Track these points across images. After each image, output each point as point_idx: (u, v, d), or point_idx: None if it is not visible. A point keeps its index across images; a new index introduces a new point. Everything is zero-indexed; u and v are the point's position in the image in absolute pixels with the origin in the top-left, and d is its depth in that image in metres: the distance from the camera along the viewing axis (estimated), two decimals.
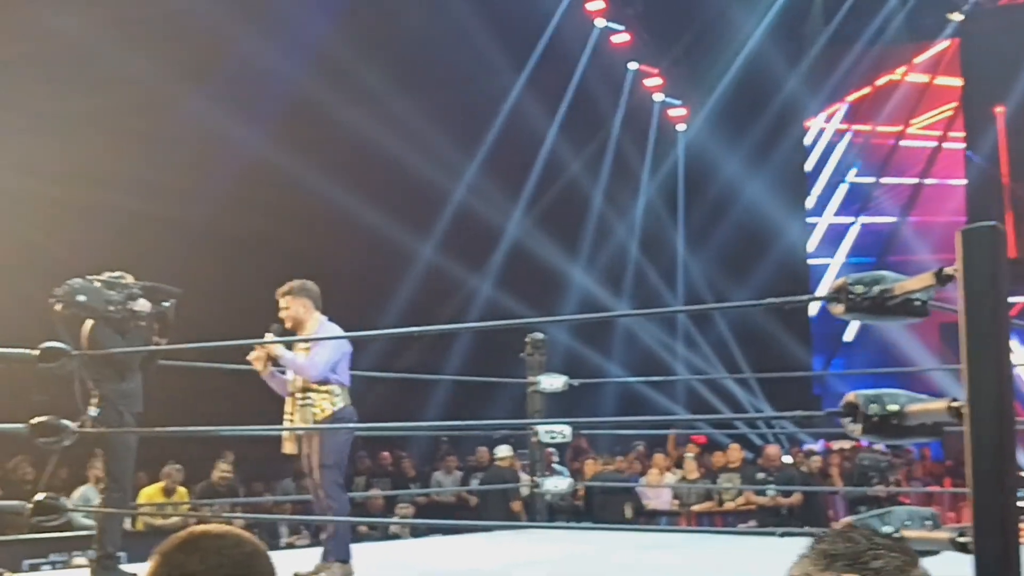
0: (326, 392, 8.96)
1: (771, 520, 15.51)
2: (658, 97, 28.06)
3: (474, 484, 17.35)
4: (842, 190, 29.03)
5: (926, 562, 2.17)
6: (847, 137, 29.06)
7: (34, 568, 11.79)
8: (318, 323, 9.04)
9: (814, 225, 29.03)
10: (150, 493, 13.79)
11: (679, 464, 17.70)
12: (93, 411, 8.76)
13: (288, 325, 9.07)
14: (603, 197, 26.83)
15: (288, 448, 9.20)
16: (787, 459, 17.39)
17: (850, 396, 5.26)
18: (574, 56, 25.93)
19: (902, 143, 28.43)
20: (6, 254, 16.74)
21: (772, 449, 17.07)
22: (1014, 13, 26.82)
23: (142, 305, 8.93)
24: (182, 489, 14.18)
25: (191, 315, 9.45)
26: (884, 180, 28.62)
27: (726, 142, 26.20)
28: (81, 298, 8.70)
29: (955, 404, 4.67)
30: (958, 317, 4.56)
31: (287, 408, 9.10)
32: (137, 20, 17.52)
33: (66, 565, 11.97)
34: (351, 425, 9.16)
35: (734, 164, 26.35)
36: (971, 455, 4.43)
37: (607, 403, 23.39)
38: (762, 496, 16.05)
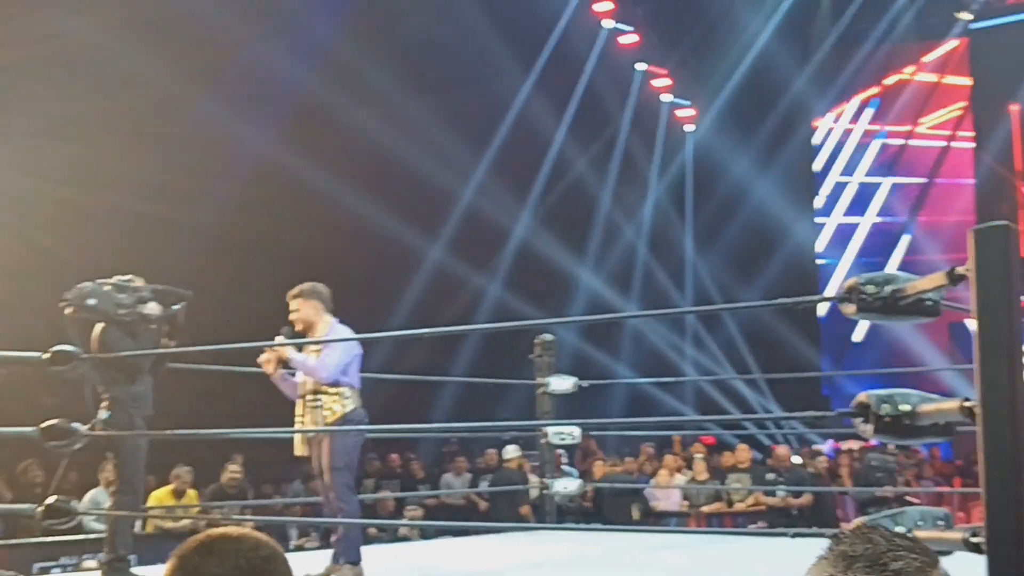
0: (336, 394, 8.96)
1: (781, 521, 15.48)
2: (666, 97, 28.04)
3: (483, 486, 17.35)
4: (851, 190, 28.99)
5: None
6: (856, 137, 29.01)
7: (44, 571, 11.79)
8: (328, 325, 9.04)
9: (823, 225, 28.99)
10: (160, 496, 13.79)
11: (689, 465, 17.69)
12: (103, 414, 8.77)
13: (298, 327, 9.08)
14: (611, 198, 26.83)
15: (299, 450, 9.21)
16: (796, 459, 17.35)
17: (862, 396, 5.26)
18: (582, 57, 25.92)
19: (911, 142, 28.39)
20: (15, 257, 16.76)
21: (782, 450, 17.04)
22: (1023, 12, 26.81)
23: (152, 308, 8.93)
24: (192, 491, 14.18)
25: (200, 318, 9.45)
26: (893, 180, 28.58)
27: (734, 142, 26.18)
28: (91, 301, 8.70)
29: (967, 404, 4.66)
30: (970, 316, 4.55)
31: (298, 410, 9.10)
32: (146, 23, 17.54)
33: (76, 568, 11.97)
34: (360, 427, 9.16)
35: (742, 164, 26.34)
36: (984, 455, 4.42)
37: (615, 404, 23.38)
38: (772, 497, 16.04)
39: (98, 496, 13.17)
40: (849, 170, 29.02)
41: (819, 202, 29.12)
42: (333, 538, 9.36)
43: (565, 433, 12.28)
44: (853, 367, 25.75)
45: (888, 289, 5.28)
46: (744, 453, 17.10)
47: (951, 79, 28.05)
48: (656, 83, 27.76)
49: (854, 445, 18.83)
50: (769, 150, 26.77)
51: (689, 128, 28.56)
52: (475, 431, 17.77)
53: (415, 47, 21.42)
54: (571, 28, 25.24)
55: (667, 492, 17.24)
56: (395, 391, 14.46)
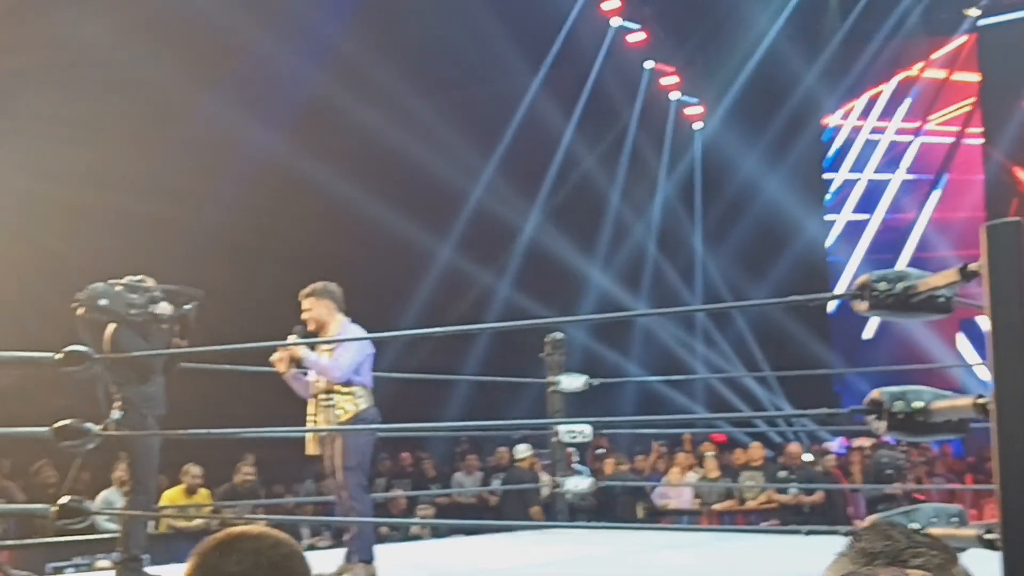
0: (349, 394, 8.98)
1: (793, 518, 15.49)
2: (674, 95, 28.02)
3: (494, 484, 17.37)
4: (860, 187, 28.94)
5: None
6: (865, 133, 28.97)
7: (58, 571, 11.81)
8: (341, 325, 9.07)
9: (832, 222, 28.95)
10: (172, 495, 13.81)
11: (700, 463, 17.69)
12: (116, 414, 8.79)
13: (311, 327, 9.10)
14: (620, 196, 26.81)
15: (311, 449, 9.24)
16: (807, 457, 17.35)
17: (874, 393, 5.25)
18: (590, 55, 25.92)
19: (920, 139, 28.35)
20: (23, 260, 16.80)
21: (794, 447, 17.03)
22: None
23: (163, 308, 8.95)
24: (204, 490, 14.21)
25: (207, 318, 9.46)
26: (902, 176, 28.54)
27: (743, 140, 26.15)
28: (103, 302, 8.72)
29: (981, 400, 4.66)
30: (983, 313, 4.54)
31: (310, 410, 9.12)
32: (152, 25, 17.56)
33: (90, 568, 11.99)
34: (372, 426, 9.18)
35: (751, 162, 26.30)
36: (998, 451, 4.42)
37: (626, 402, 23.36)
38: (784, 494, 16.03)
39: (110, 496, 13.20)
40: (858, 167, 28.97)
41: (829, 199, 29.07)
42: (346, 537, 9.38)
43: (576, 431, 12.29)
44: (864, 364, 25.70)
45: (900, 286, 5.27)
46: (757, 451, 17.10)
47: (960, 75, 28.01)
48: (664, 81, 27.75)
49: (865, 442, 18.78)
50: (778, 147, 26.73)
51: (697, 126, 28.54)
52: (486, 430, 17.79)
53: (422, 46, 21.43)
54: (579, 26, 25.23)
55: (679, 490, 17.24)
56: (406, 390, 14.45)
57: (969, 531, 4.78)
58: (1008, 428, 4.38)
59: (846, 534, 5.71)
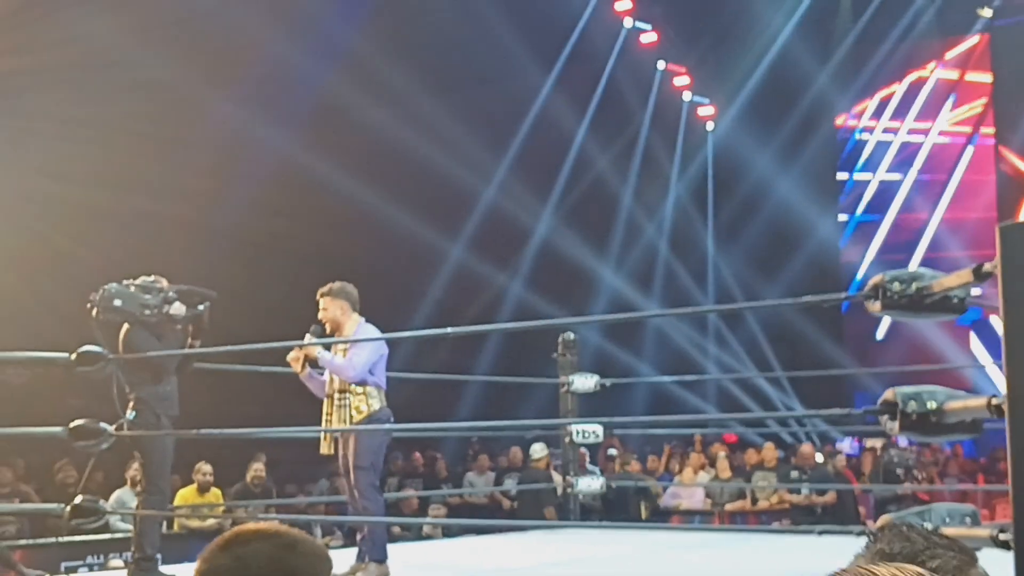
0: (363, 394, 9.01)
1: (805, 519, 15.48)
2: (687, 96, 28.01)
3: (507, 484, 17.38)
4: (873, 187, 28.91)
5: None
6: (877, 134, 28.94)
7: (71, 570, 11.84)
8: (356, 324, 9.09)
9: (845, 222, 28.93)
10: (185, 494, 13.84)
11: (712, 463, 17.70)
12: (130, 414, 8.82)
13: (327, 327, 9.14)
14: (632, 196, 26.80)
15: (325, 448, 9.26)
16: (820, 457, 17.34)
17: (888, 394, 5.26)
18: (602, 56, 25.93)
19: (932, 139, 28.31)
20: (36, 259, 16.84)
21: (806, 448, 17.02)
22: None
23: (177, 309, 8.97)
24: (216, 489, 14.23)
25: (220, 318, 9.49)
26: (914, 176, 28.50)
27: (755, 140, 26.14)
28: (117, 303, 8.75)
29: (995, 401, 4.66)
30: (998, 313, 4.54)
31: (325, 409, 9.15)
32: (164, 25, 17.60)
33: (103, 567, 12.03)
34: (384, 426, 9.19)
35: (764, 162, 26.28)
36: (1012, 451, 4.42)
37: (638, 403, 23.36)
38: (796, 495, 16.03)
39: (123, 496, 13.22)
40: (871, 167, 28.94)
41: (841, 199, 29.04)
42: (359, 537, 9.40)
43: (588, 431, 12.31)
44: (876, 364, 25.65)
45: (914, 286, 5.28)
46: (770, 451, 17.10)
47: (972, 76, 27.97)
48: (676, 81, 27.74)
49: (877, 443, 18.78)
50: (790, 148, 26.71)
51: (710, 126, 28.53)
52: (498, 430, 17.80)
53: (435, 46, 21.45)
54: (591, 27, 25.24)
55: (690, 490, 17.25)
56: (418, 390, 14.48)
57: (982, 531, 4.78)
58: (1022, 428, 4.38)
59: (859, 535, 5.71)
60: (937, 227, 27.77)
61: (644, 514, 16.92)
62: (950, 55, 27.99)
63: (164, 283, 9.06)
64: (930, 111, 28.27)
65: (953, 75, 28.13)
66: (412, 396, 12.71)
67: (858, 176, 29.12)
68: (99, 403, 9.18)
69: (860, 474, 17.61)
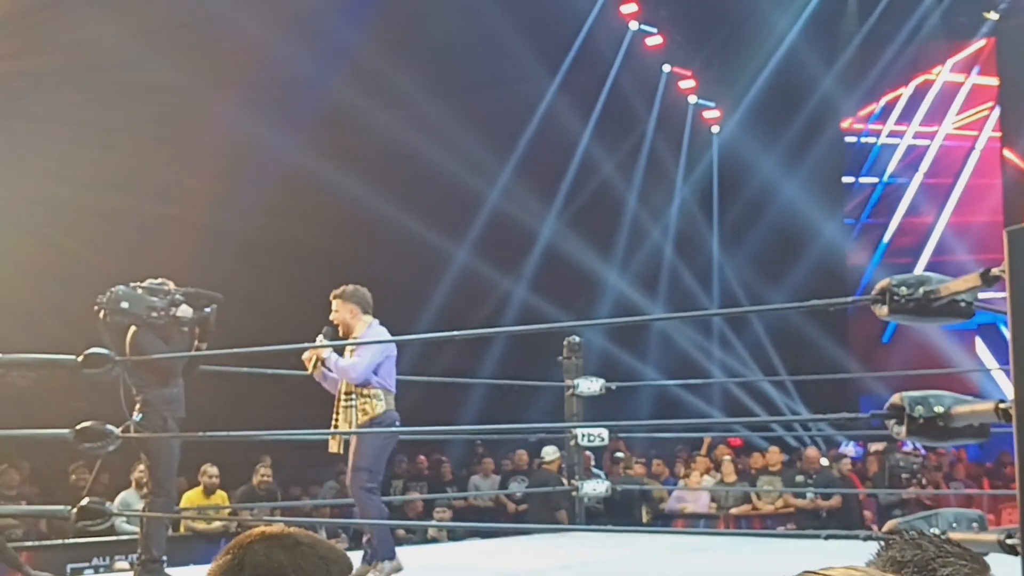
0: (368, 396, 9.05)
1: (810, 523, 15.46)
2: (692, 99, 28.01)
3: (513, 487, 17.39)
4: (879, 190, 28.91)
5: None
6: (883, 137, 28.92)
7: (77, 572, 11.87)
8: (366, 326, 9.13)
9: (851, 226, 28.91)
10: (192, 497, 13.86)
11: (717, 467, 17.69)
12: (137, 417, 8.83)
13: (340, 329, 9.20)
14: (637, 199, 26.79)
15: (334, 447, 9.31)
16: (825, 461, 17.32)
17: (896, 398, 5.25)
18: (608, 59, 25.92)
19: (938, 142, 28.30)
20: (43, 261, 16.85)
21: (812, 451, 17.01)
22: None
23: (184, 311, 8.99)
24: (222, 492, 14.24)
25: (227, 321, 9.50)
26: (921, 180, 28.49)
27: (761, 143, 26.13)
28: (124, 305, 8.76)
29: (1003, 405, 4.66)
30: (1006, 317, 4.54)
31: (334, 409, 9.20)
32: (171, 28, 17.60)
33: (108, 569, 12.05)
34: (385, 429, 9.20)
35: (769, 165, 26.26)
36: (1019, 456, 4.41)
37: (642, 406, 23.37)
38: (801, 499, 16.02)
39: (128, 497, 13.24)
40: (877, 170, 28.94)
41: (847, 203, 29.01)
42: (365, 538, 9.43)
43: (594, 435, 12.32)
44: (882, 368, 25.63)
45: (921, 291, 5.27)
46: (775, 455, 17.09)
47: (979, 79, 27.97)
48: (682, 84, 27.74)
49: (880, 446, 18.76)
50: (796, 151, 26.68)
51: (715, 129, 28.52)
52: (503, 433, 17.82)
53: (440, 50, 21.47)
54: (596, 30, 25.23)
55: (695, 494, 17.24)
56: (423, 393, 14.47)
57: (989, 536, 4.78)
58: None
59: (865, 539, 5.71)
60: (943, 231, 27.76)
61: (645, 518, 16.90)
62: (956, 58, 27.98)
63: (171, 286, 9.08)
64: (936, 114, 28.27)
65: (959, 78, 28.13)
66: (417, 399, 12.72)
67: (864, 179, 29.11)
68: (104, 405, 9.20)
69: (865, 478, 17.59)
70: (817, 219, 26.62)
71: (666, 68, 27.23)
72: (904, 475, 16.43)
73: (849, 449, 20.66)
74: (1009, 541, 4.51)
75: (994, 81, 27.71)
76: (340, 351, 9.18)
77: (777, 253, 26.34)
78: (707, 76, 27.60)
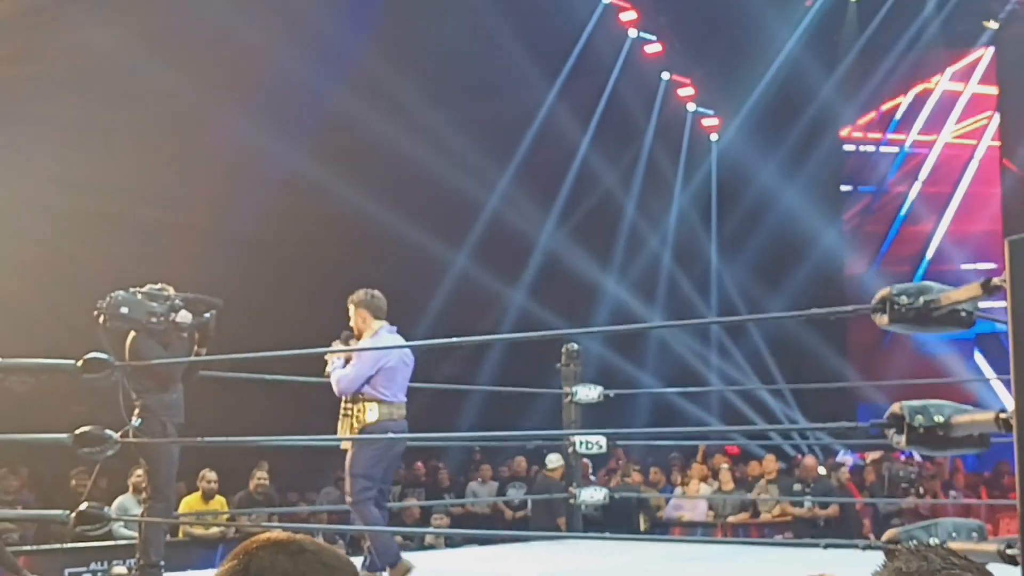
0: (362, 404, 9.08)
1: (807, 532, 15.47)
2: (691, 107, 28.02)
3: (511, 493, 17.40)
4: (878, 199, 28.92)
5: None
6: (882, 145, 28.94)
7: None
8: (372, 334, 9.15)
9: (849, 234, 28.90)
10: (190, 502, 13.86)
11: (715, 475, 17.69)
12: (136, 422, 8.85)
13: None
14: (636, 207, 26.80)
15: (344, 446, 9.39)
16: (822, 470, 17.33)
17: (895, 407, 5.25)
18: (607, 67, 25.93)
19: (937, 151, 28.30)
20: (45, 266, 16.86)
21: (809, 460, 17.02)
22: None
23: (183, 317, 9.02)
24: (220, 497, 14.24)
25: (227, 326, 9.52)
26: (919, 189, 28.50)
27: (760, 151, 26.13)
28: (124, 310, 8.78)
29: (1003, 415, 4.66)
30: (1007, 327, 4.53)
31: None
32: (172, 35, 17.62)
33: (106, 574, 12.03)
34: (376, 436, 9.19)
35: (768, 173, 26.26)
36: (1020, 466, 4.41)
37: (640, 414, 23.37)
38: (799, 507, 16.02)
39: (126, 502, 13.23)
40: (876, 179, 28.95)
41: (846, 211, 29.01)
42: (366, 545, 9.46)
43: (592, 442, 12.32)
44: (880, 377, 25.61)
45: (922, 300, 5.27)
46: (770, 463, 17.09)
47: (978, 88, 27.97)
48: (681, 92, 27.75)
49: (876, 455, 18.77)
50: (795, 159, 26.69)
51: (714, 137, 28.52)
52: (501, 440, 17.81)
53: (440, 59, 21.48)
54: (596, 38, 25.26)
55: (693, 502, 17.24)
56: (421, 400, 14.47)
57: (989, 546, 4.78)
58: None
59: (864, 548, 5.70)
60: (942, 239, 27.76)
61: (643, 526, 16.90)
62: (956, 67, 27.98)
63: (171, 291, 9.10)
64: (935, 123, 28.27)
65: (959, 87, 28.13)
66: (415, 406, 12.72)
67: (862, 188, 29.11)
68: (104, 410, 9.20)
69: (862, 487, 17.59)
70: (816, 227, 26.62)
71: (665, 76, 27.23)
72: (903, 484, 16.45)
73: (847, 458, 20.67)
74: (1009, 551, 4.51)
75: (993, 90, 27.71)
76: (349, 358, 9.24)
77: (775, 261, 26.34)
78: (706, 84, 27.60)
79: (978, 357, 25.37)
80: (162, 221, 17.93)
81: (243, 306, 12.95)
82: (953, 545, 4.74)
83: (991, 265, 22.70)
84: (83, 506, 8.70)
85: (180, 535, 13.47)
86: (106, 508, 9.20)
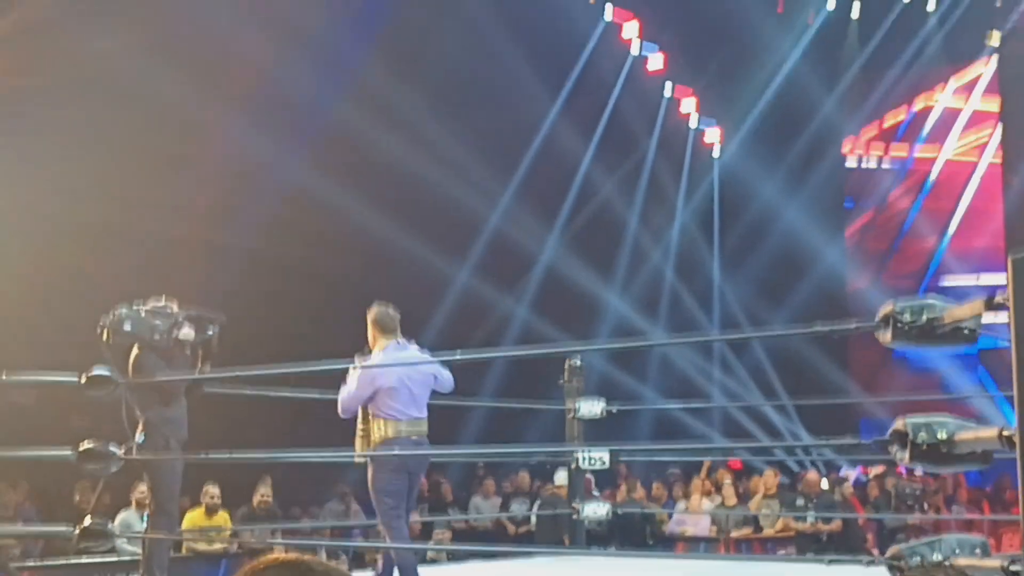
0: (372, 423, 9.07)
1: (810, 546, 15.48)
2: (693, 121, 28.03)
3: (514, 508, 17.40)
4: (880, 214, 28.92)
5: None
6: (885, 160, 28.96)
7: None
8: (380, 351, 9.14)
9: (852, 249, 28.89)
10: (193, 517, 13.86)
11: (718, 489, 17.67)
12: (139, 437, 8.86)
13: None
14: (638, 221, 26.80)
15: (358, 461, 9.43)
16: (825, 484, 17.33)
17: (898, 423, 5.24)
18: (609, 80, 25.96)
19: (940, 166, 28.31)
20: (48, 278, 16.86)
21: (812, 475, 17.02)
22: None
23: (186, 333, 9.03)
24: (224, 512, 14.25)
25: (230, 339, 9.53)
26: (922, 203, 28.50)
27: (762, 166, 26.14)
28: (127, 327, 8.81)
29: (1006, 432, 4.65)
30: (1010, 344, 4.53)
31: None
32: (174, 46, 17.63)
33: None
34: (382, 453, 9.16)
35: (771, 188, 26.26)
36: (1023, 483, 4.40)
37: (642, 428, 23.35)
38: (802, 522, 16.00)
39: (129, 518, 13.23)
40: (878, 193, 28.95)
41: (848, 226, 29.01)
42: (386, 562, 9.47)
43: (595, 458, 12.31)
44: (883, 392, 25.58)
45: (925, 316, 5.26)
46: (770, 478, 17.07)
47: (980, 102, 27.97)
48: (683, 107, 27.78)
49: (879, 470, 18.74)
50: (798, 174, 26.71)
51: (716, 151, 28.54)
52: (505, 456, 17.81)
53: (443, 72, 21.49)
54: (598, 52, 25.32)
55: (695, 517, 17.23)
56: None
57: (993, 562, 4.77)
58: None
59: (868, 564, 5.68)
60: (945, 254, 27.76)
61: (649, 541, 16.89)
62: (958, 81, 27.99)
63: (175, 307, 9.11)
64: (938, 137, 28.29)
65: (960, 102, 28.14)
66: None
67: (865, 202, 29.11)
68: (105, 423, 9.21)
69: (866, 502, 17.58)
70: (818, 242, 26.60)
71: (667, 91, 27.26)
72: (909, 502, 16.44)
73: (850, 472, 20.65)
74: (1013, 568, 4.50)
75: (995, 105, 27.71)
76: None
77: (778, 276, 26.33)
78: (708, 99, 27.62)
79: (981, 372, 25.35)
80: (163, 232, 17.94)
81: (245, 319, 12.96)
82: (957, 562, 4.74)
83: (994, 279, 22.74)
84: (87, 522, 8.71)
85: (183, 551, 13.47)
86: (110, 524, 9.20)
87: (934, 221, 28.22)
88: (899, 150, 28.70)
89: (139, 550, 9.63)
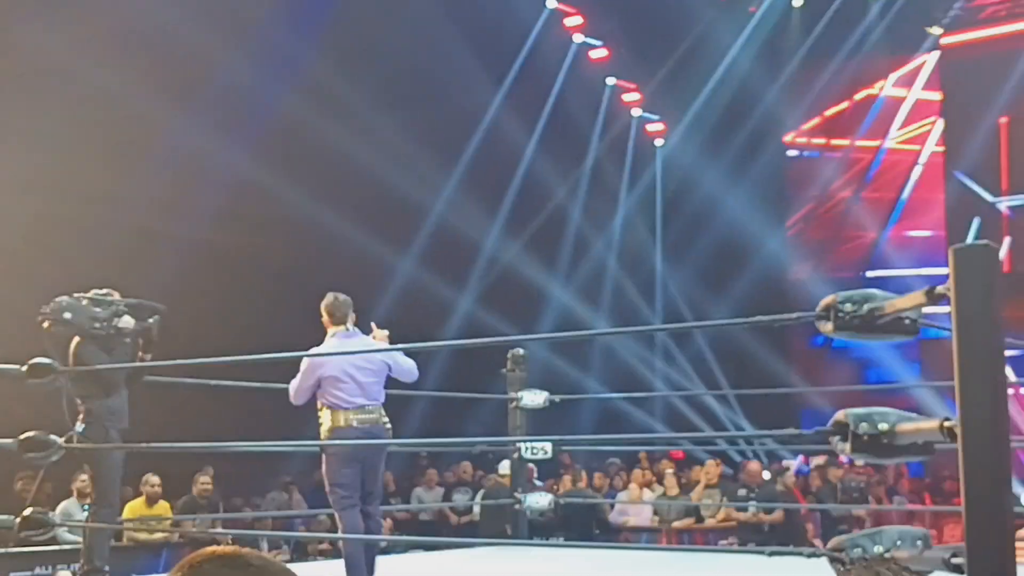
0: (321, 412, 9.08)
1: (752, 537, 15.52)
2: (636, 112, 28.10)
3: (456, 499, 17.40)
4: (822, 204, 29.03)
5: None
6: (826, 151, 29.07)
7: None
8: (329, 338, 9.18)
9: (794, 240, 28.99)
10: (134, 507, 13.79)
11: (659, 480, 17.70)
12: (80, 427, 8.82)
13: None
14: (582, 212, 26.83)
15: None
16: (767, 475, 17.38)
17: (839, 415, 5.25)
18: (552, 71, 25.97)
19: (881, 157, 28.44)
20: None
21: (754, 465, 17.05)
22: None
23: (126, 322, 8.99)
24: (164, 502, 14.19)
25: (177, 330, 9.48)
26: (863, 194, 28.62)
27: (705, 157, 26.22)
28: (67, 315, 8.78)
29: (947, 423, 4.67)
30: (951, 335, 4.55)
31: None
32: (121, 39, 17.53)
33: None
34: (335, 441, 9.14)
35: (713, 179, 26.32)
36: (965, 475, 4.42)
37: (585, 418, 23.41)
38: (743, 512, 16.05)
39: (70, 507, 13.16)
40: (820, 184, 29.05)
41: (790, 217, 29.12)
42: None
43: (537, 448, 12.33)
44: (824, 383, 25.69)
45: (866, 308, 5.26)
46: (712, 468, 17.10)
47: (922, 93, 28.11)
48: (626, 97, 27.83)
49: (820, 460, 18.82)
50: (740, 165, 26.78)
51: (659, 142, 28.61)
52: (447, 445, 17.80)
53: (387, 63, 21.43)
54: (541, 43, 25.30)
55: (637, 508, 17.25)
56: None
57: (935, 554, 4.79)
58: (975, 451, 4.39)
59: (809, 556, 5.71)
60: (886, 245, 27.89)
61: (595, 531, 16.91)
62: (899, 73, 28.13)
63: (116, 296, 9.08)
64: (879, 128, 28.40)
65: (902, 93, 28.27)
66: None
67: (806, 193, 29.21)
68: (48, 413, 9.15)
69: (807, 492, 17.64)
70: (760, 232, 26.68)
71: (610, 81, 27.31)
72: (855, 495, 16.51)
73: (791, 462, 20.72)
74: (955, 560, 4.51)
75: (937, 95, 27.86)
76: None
77: (720, 266, 26.42)
78: (651, 89, 27.68)
79: (921, 363, 25.49)
80: (108, 223, 17.83)
81: (190, 309, 12.93)
82: (898, 554, 4.76)
83: (935, 270, 22.88)
84: (28, 511, 8.68)
85: (124, 540, 13.41)
86: (51, 513, 9.17)
87: (875, 211, 28.34)
88: (840, 140, 28.81)
89: (80, 539, 9.57)
